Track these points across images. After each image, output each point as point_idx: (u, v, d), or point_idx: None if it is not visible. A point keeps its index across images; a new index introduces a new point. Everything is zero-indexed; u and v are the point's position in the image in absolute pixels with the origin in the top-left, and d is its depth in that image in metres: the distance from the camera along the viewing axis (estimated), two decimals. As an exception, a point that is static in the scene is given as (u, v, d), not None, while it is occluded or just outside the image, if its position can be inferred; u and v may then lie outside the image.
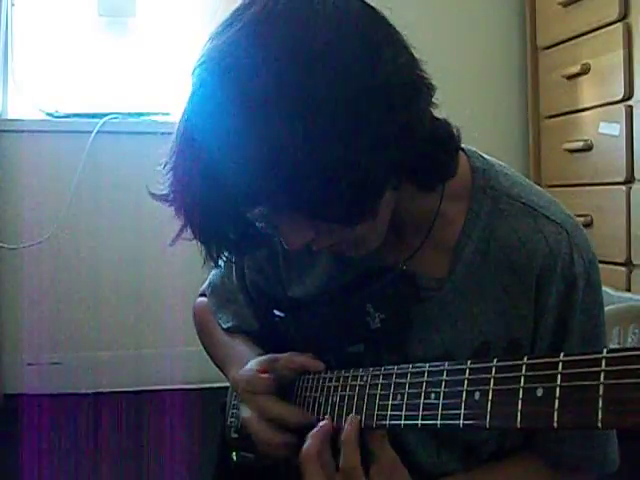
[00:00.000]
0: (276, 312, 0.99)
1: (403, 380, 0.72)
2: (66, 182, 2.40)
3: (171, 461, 1.96)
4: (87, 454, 1.99)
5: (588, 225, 2.18)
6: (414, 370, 0.71)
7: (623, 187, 2.08)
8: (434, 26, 2.58)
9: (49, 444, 2.03)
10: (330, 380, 0.85)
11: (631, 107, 2.05)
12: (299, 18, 0.66)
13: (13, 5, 2.45)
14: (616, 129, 2.09)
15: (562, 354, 0.54)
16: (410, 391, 0.71)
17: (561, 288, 0.80)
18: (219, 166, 0.66)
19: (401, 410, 0.71)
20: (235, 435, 1.01)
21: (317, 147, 0.64)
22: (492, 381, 0.60)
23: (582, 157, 2.28)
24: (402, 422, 0.70)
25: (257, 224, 0.75)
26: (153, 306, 2.49)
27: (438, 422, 0.66)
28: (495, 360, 0.61)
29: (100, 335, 2.46)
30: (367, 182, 0.67)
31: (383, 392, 0.75)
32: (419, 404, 0.69)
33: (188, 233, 0.75)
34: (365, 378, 0.79)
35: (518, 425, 0.56)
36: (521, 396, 0.56)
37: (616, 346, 1.67)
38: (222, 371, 1.04)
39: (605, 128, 2.15)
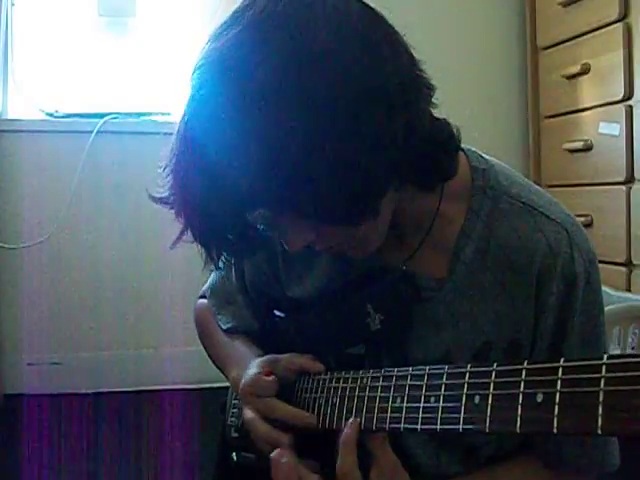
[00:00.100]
0: (276, 312, 0.99)
1: (403, 383, 0.72)
2: (66, 182, 2.40)
3: (171, 461, 1.96)
4: (87, 454, 1.99)
5: (588, 225, 2.18)
6: (414, 373, 0.71)
7: (623, 187, 2.08)
8: (434, 26, 2.58)
9: (49, 444, 2.03)
10: (330, 381, 0.85)
11: (631, 107, 2.04)
12: (298, 19, 0.66)
13: (13, 5, 2.44)
14: (616, 129, 2.09)
15: (562, 360, 0.54)
16: (410, 394, 0.71)
17: (561, 287, 0.80)
18: (219, 168, 0.66)
19: (401, 413, 0.71)
20: (235, 435, 1.01)
21: (317, 148, 0.64)
22: (492, 385, 0.60)
23: (582, 157, 2.27)
24: (402, 425, 0.70)
25: (257, 226, 0.75)
26: (153, 306, 2.49)
27: (437, 426, 0.66)
28: (495, 364, 0.61)
29: (100, 335, 2.46)
30: (368, 182, 0.67)
31: (383, 394, 0.75)
32: (419, 407, 0.69)
33: (188, 235, 0.75)
34: (365, 380, 0.79)
35: (518, 430, 0.56)
36: (521, 401, 0.56)
37: (616, 346, 1.67)
38: (222, 372, 1.04)
39: (605, 128, 2.14)
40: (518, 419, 0.56)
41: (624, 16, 2.05)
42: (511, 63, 2.71)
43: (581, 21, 2.26)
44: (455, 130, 0.79)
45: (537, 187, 0.87)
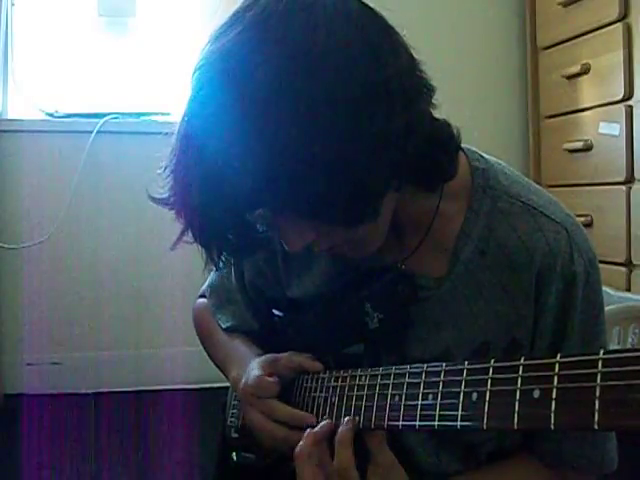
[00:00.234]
0: (275, 312, 0.99)
1: (401, 381, 0.72)
2: (66, 182, 2.40)
3: (171, 461, 1.96)
4: (87, 454, 1.99)
5: (588, 225, 2.18)
6: (412, 371, 0.71)
7: (623, 187, 2.08)
8: (434, 26, 2.58)
9: (49, 444, 2.03)
10: (329, 380, 0.85)
11: (631, 107, 2.04)
12: (299, 20, 0.66)
13: (13, 5, 2.45)
14: (616, 129, 2.09)
15: (559, 355, 0.54)
16: (408, 392, 0.71)
17: (561, 287, 0.80)
18: (219, 169, 0.66)
19: (399, 411, 0.71)
20: (236, 435, 1.01)
21: (318, 148, 0.64)
22: (489, 382, 0.60)
23: (582, 157, 2.28)
24: (400, 423, 0.70)
25: (257, 226, 0.75)
26: (153, 306, 2.49)
27: (435, 423, 0.66)
28: (492, 361, 0.61)
29: (100, 335, 2.46)
30: (368, 183, 0.68)
31: (381, 393, 0.75)
32: (417, 405, 0.69)
33: (189, 236, 0.75)
34: (363, 378, 0.79)
35: (515, 426, 0.56)
36: (518, 397, 0.56)
37: (616, 346, 1.67)
38: (222, 372, 1.04)
39: (605, 128, 2.14)
40: (515, 415, 0.56)
41: (624, 16, 2.05)
42: (511, 63, 2.71)
43: (581, 21, 2.26)
44: (455, 131, 0.79)
45: (537, 187, 0.87)
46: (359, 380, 0.79)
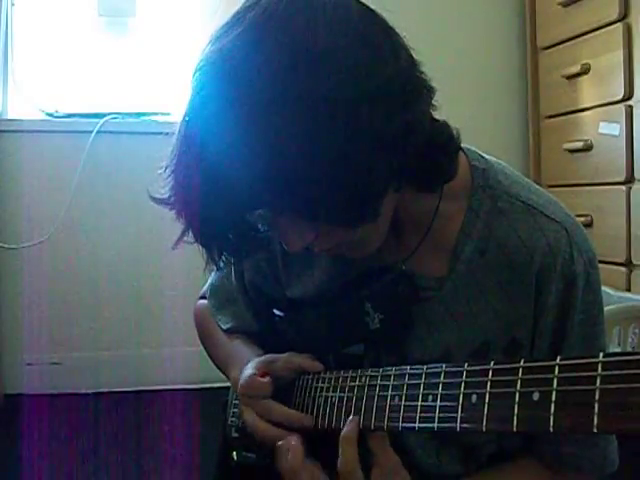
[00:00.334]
0: (275, 312, 0.99)
1: (401, 382, 0.72)
2: (66, 182, 2.40)
3: (171, 461, 1.96)
4: (87, 454, 1.99)
5: (588, 225, 2.18)
6: (412, 372, 0.71)
7: (623, 187, 2.08)
8: (434, 27, 2.58)
9: (49, 444, 2.03)
10: (329, 381, 0.85)
11: (631, 107, 2.04)
12: (299, 21, 0.66)
13: (13, 5, 2.45)
14: (616, 129, 2.09)
15: (559, 358, 0.54)
16: (408, 393, 0.71)
17: (561, 287, 0.80)
18: (220, 169, 0.66)
19: (399, 412, 0.71)
20: (236, 435, 1.01)
21: (318, 149, 0.64)
22: (489, 384, 0.60)
23: (582, 157, 2.28)
24: (400, 424, 0.70)
25: (258, 226, 0.75)
26: (153, 306, 2.49)
27: (435, 425, 0.66)
28: (492, 363, 0.61)
29: (100, 335, 2.46)
30: (368, 184, 0.68)
31: (381, 394, 0.75)
32: (417, 406, 0.69)
33: (189, 236, 0.75)
34: (363, 379, 0.79)
35: (514, 429, 0.56)
36: (517, 400, 0.56)
37: (616, 346, 1.67)
38: (223, 372, 1.04)
39: (605, 128, 2.15)
40: (514, 418, 0.56)
41: (624, 16, 2.05)
42: (511, 63, 2.71)
43: (581, 21, 2.26)
44: (455, 132, 0.79)
45: (537, 186, 0.87)
46: (359, 381, 0.79)
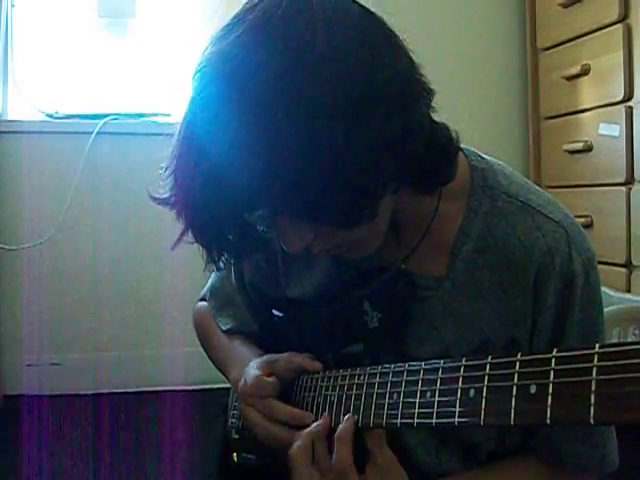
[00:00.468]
0: (275, 312, 0.99)
1: (399, 379, 0.72)
2: (66, 183, 2.40)
3: (171, 461, 1.96)
4: (87, 454, 1.99)
5: (588, 226, 2.18)
6: (410, 368, 0.72)
7: (623, 188, 2.08)
8: (434, 27, 2.58)
9: (49, 444, 2.03)
10: (328, 380, 0.85)
11: (631, 108, 2.05)
12: (299, 23, 0.66)
13: (13, 6, 2.45)
14: (616, 130, 2.09)
15: (555, 350, 0.54)
16: (406, 390, 0.71)
17: (559, 286, 0.80)
18: (219, 170, 0.66)
19: (397, 409, 0.71)
20: (236, 436, 1.01)
21: (317, 151, 0.64)
22: (486, 378, 0.60)
23: (582, 158, 2.28)
24: (398, 421, 0.71)
25: (257, 226, 0.75)
26: (153, 306, 2.50)
27: (433, 420, 0.66)
28: (490, 357, 0.61)
29: (100, 335, 2.46)
30: (366, 185, 0.68)
31: (380, 391, 0.75)
32: (415, 403, 0.69)
33: (189, 236, 0.75)
34: (362, 377, 0.79)
35: (512, 422, 0.56)
36: (515, 393, 0.56)
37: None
38: (223, 373, 1.04)
39: (605, 129, 2.15)
40: (512, 411, 0.56)
41: (624, 17, 2.06)
42: (511, 64, 2.72)
43: (581, 22, 2.27)
44: (454, 134, 0.80)
45: (536, 187, 0.87)
46: (358, 379, 0.80)
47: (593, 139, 2.21)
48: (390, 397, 0.73)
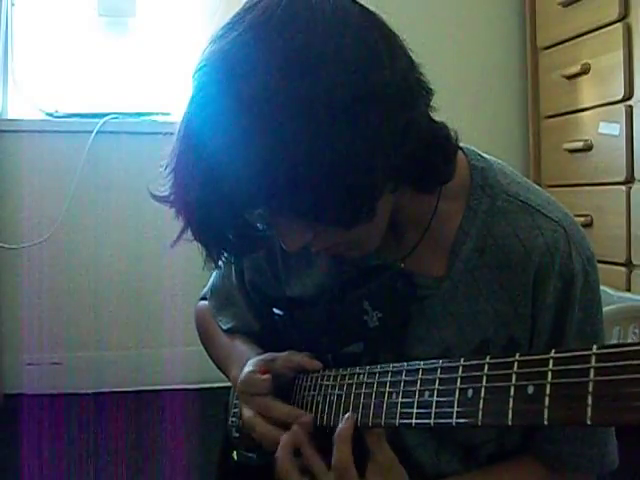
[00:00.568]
0: (275, 311, 0.99)
1: (398, 378, 0.72)
2: (66, 182, 2.40)
3: (171, 461, 1.96)
4: (87, 454, 1.99)
5: (588, 225, 2.18)
6: (409, 368, 0.72)
7: (623, 187, 2.08)
8: (434, 26, 2.58)
9: (49, 444, 2.03)
10: (328, 379, 0.85)
11: (631, 107, 2.05)
12: (299, 23, 0.66)
13: (13, 5, 2.45)
14: (616, 129, 2.09)
15: (553, 351, 0.54)
16: (405, 389, 0.71)
17: (559, 286, 0.80)
18: (219, 168, 0.66)
19: (396, 408, 0.71)
20: (237, 434, 1.01)
21: (315, 150, 0.64)
22: (484, 378, 0.60)
23: (582, 157, 2.28)
24: (397, 421, 0.71)
25: (257, 225, 0.75)
26: (153, 306, 2.50)
27: (431, 421, 0.66)
28: (488, 357, 0.61)
29: (100, 335, 2.46)
30: (364, 185, 0.68)
31: (379, 390, 0.75)
32: (413, 402, 0.69)
33: (188, 234, 0.75)
34: (361, 377, 0.79)
35: (509, 423, 0.56)
36: (512, 393, 0.56)
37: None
38: (224, 372, 1.04)
39: (605, 128, 2.15)
40: (509, 411, 0.56)
41: (624, 16, 2.05)
42: (511, 63, 2.72)
43: (581, 21, 2.27)
44: (453, 134, 0.80)
45: (536, 186, 0.87)
46: (357, 378, 0.79)
47: (593, 138, 2.21)
48: (389, 397, 0.73)
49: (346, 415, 0.78)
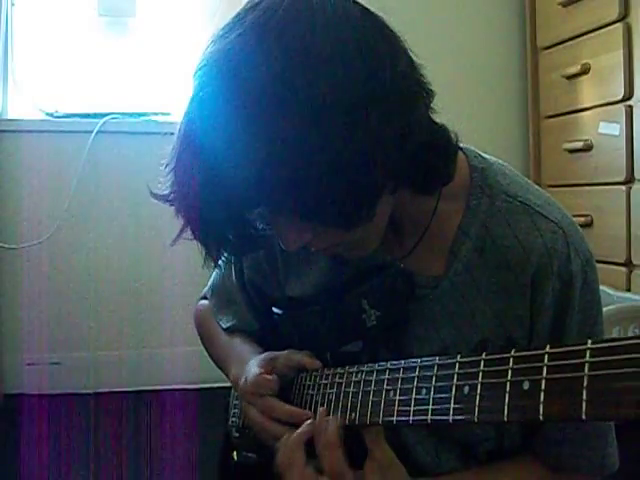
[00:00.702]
0: (275, 310, 1.00)
1: (396, 376, 0.72)
2: (66, 182, 2.40)
3: (171, 461, 1.96)
4: (87, 454, 1.99)
5: (588, 225, 2.18)
6: (406, 365, 0.72)
7: (623, 187, 2.08)
8: (434, 27, 2.58)
9: (49, 444, 2.03)
10: (327, 377, 0.85)
11: (631, 107, 2.05)
12: (299, 23, 0.67)
13: (13, 5, 2.45)
14: (616, 129, 2.09)
15: (548, 346, 0.54)
16: (402, 387, 0.71)
17: (557, 287, 0.80)
18: (219, 168, 0.67)
19: (393, 406, 0.71)
20: (237, 435, 1.01)
21: (315, 150, 0.65)
22: (480, 375, 0.60)
23: (582, 157, 2.28)
24: (394, 418, 0.71)
25: (257, 225, 0.75)
26: (153, 306, 2.50)
27: (428, 417, 0.66)
28: (484, 354, 0.61)
29: (100, 335, 2.46)
30: (363, 186, 0.68)
31: (376, 388, 0.75)
32: (410, 400, 0.69)
33: (188, 233, 0.75)
34: (359, 375, 0.79)
35: (505, 419, 0.56)
36: (508, 389, 0.57)
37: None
38: (223, 371, 1.04)
39: (605, 128, 2.15)
40: (505, 407, 0.56)
41: (624, 16, 2.05)
42: (511, 63, 2.71)
43: (581, 21, 2.26)
44: (453, 135, 0.80)
45: (536, 187, 0.87)
46: (355, 377, 0.80)
47: (593, 138, 2.21)
48: (386, 394, 0.73)
49: (329, 418, 0.78)
